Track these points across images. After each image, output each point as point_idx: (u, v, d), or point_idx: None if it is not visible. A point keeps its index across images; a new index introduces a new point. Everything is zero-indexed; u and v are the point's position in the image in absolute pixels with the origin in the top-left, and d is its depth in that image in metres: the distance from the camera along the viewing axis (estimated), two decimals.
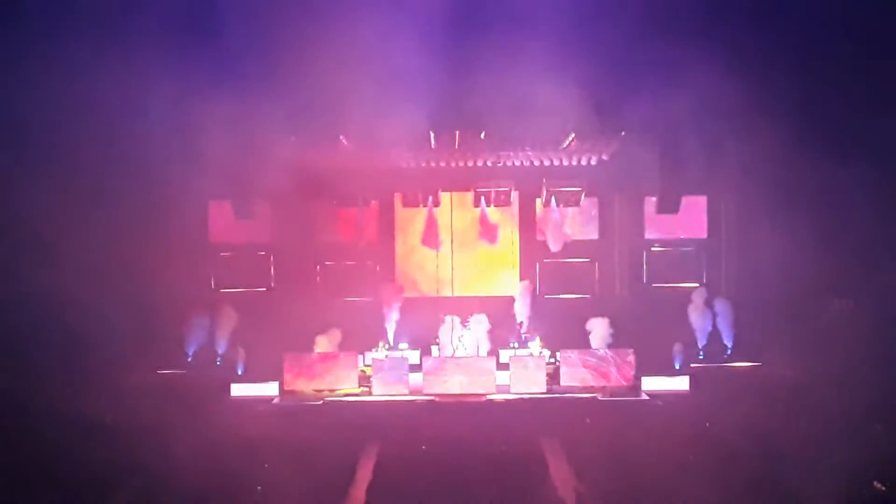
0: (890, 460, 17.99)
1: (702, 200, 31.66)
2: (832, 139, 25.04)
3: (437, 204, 31.22)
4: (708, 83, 24.23)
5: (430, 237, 31.31)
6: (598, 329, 29.02)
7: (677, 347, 28.53)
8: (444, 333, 29.34)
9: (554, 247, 31.34)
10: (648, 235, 32.02)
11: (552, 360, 28.04)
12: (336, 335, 28.93)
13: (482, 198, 31.12)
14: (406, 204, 31.52)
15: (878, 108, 24.43)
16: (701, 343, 29.02)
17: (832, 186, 25.27)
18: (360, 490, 18.94)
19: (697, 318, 29.17)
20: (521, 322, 30.42)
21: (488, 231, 31.56)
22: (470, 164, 30.79)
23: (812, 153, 24.71)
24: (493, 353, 28.44)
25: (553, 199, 30.84)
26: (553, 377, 27.30)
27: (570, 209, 31.50)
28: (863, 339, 24.31)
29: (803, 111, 25.07)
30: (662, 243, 31.94)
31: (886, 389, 21.67)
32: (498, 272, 32.22)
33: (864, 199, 24.82)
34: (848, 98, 24.98)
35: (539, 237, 32.04)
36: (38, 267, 23.67)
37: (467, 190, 31.25)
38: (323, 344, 28.46)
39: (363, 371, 27.40)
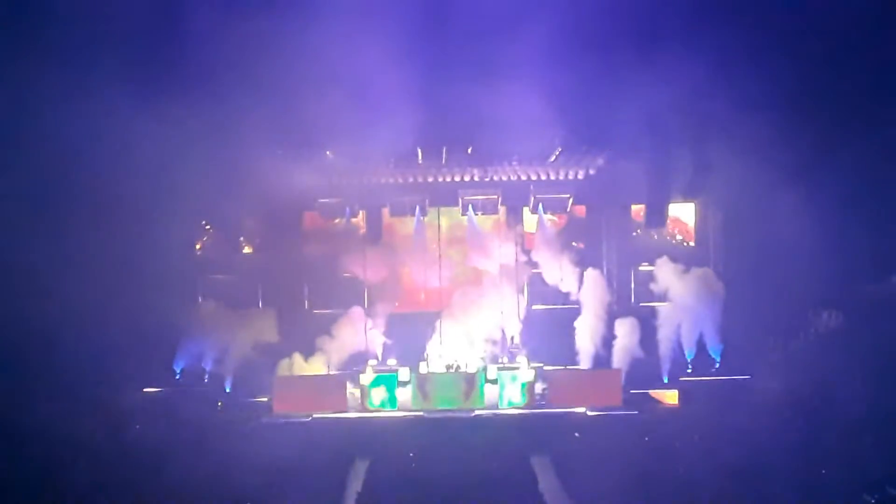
0: (879, 473, 18.04)
1: (689, 212, 31.68)
2: (823, 147, 24.82)
3: (424, 213, 31.14)
4: (694, 96, 24.29)
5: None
6: (587, 343, 29.14)
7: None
8: (432, 349, 29.26)
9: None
10: (636, 247, 31.99)
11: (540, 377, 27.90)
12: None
13: (469, 206, 31.07)
14: (394, 213, 31.43)
15: (869, 114, 24.37)
16: (689, 357, 28.94)
17: (823, 196, 25.11)
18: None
19: (685, 333, 29.09)
20: (511, 337, 30.37)
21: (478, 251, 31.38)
22: (457, 178, 30.78)
23: (802, 163, 24.63)
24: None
25: (540, 208, 30.78)
26: (541, 393, 27.25)
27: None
28: (852, 352, 24.33)
29: (792, 121, 24.81)
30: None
31: (875, 402, 21.72)
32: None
33: (855, 210, 24.78)
34: (840, 105, 24.86)
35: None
36: (27, 290, 23.54)
37: (455, 204, 31.14)
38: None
39: (352, 393, 27.28)
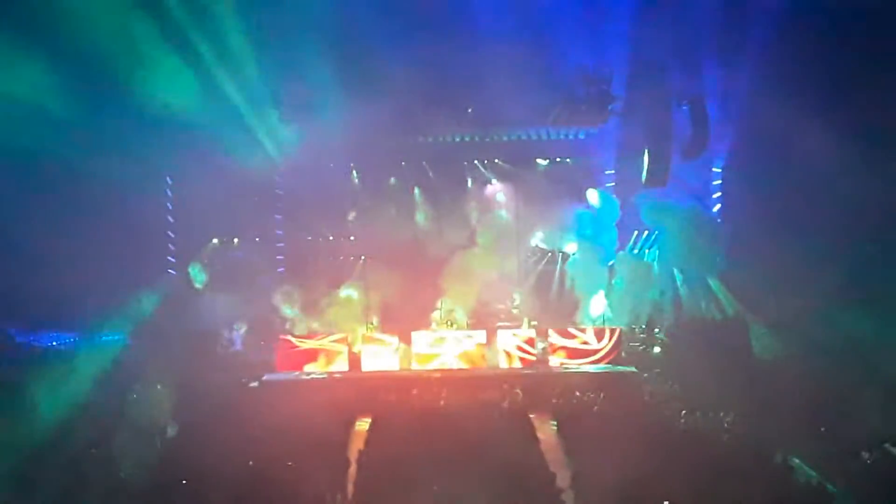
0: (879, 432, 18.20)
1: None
2: (836, 107, 23.50)
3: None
4: (698, 52, 24.01)
5: None
6: (590, 303, 29.37)
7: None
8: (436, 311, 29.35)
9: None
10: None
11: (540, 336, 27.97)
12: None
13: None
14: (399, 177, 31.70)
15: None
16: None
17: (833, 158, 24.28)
18: (354, 461, 19.11)
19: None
20: (514, 298, 30.51)
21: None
22: (458, 139, 30.60)
23: (812, 127, 23.69)
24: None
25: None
26: (542, 353, 27.35)
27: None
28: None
29: (804, 85, 23.83)
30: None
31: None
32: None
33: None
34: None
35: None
36: None
37: (455, 165, 31.32)
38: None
39: (355, 352, 27.42)
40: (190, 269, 30.26)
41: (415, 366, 26.90)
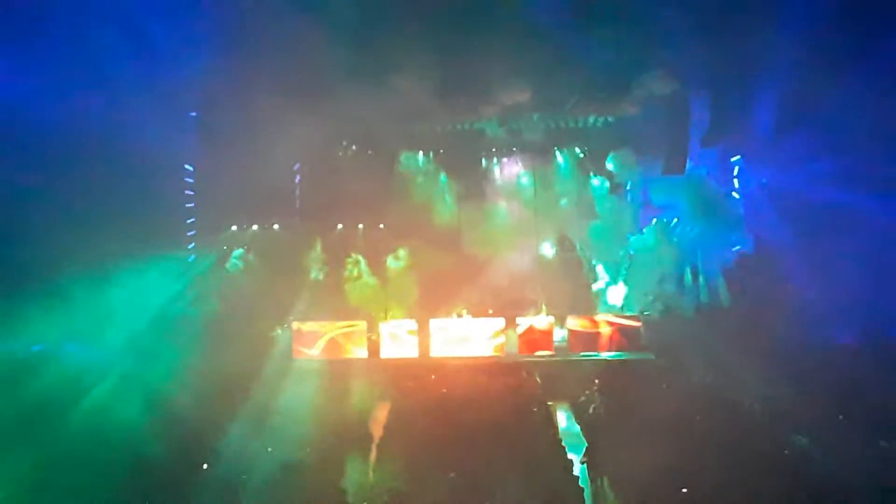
0: None
1: None
2: (860, 91, 22.93)
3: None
4: (717, 41, 23.90)
5: None
6: (608, 292, 29.32)
7: None
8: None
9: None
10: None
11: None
12: None
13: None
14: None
15: None
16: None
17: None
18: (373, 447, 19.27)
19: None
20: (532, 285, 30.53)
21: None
22: (476, 126, 30.60)
23: (835, 112, 23.72)
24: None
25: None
26: (561, 340, 27.37)
27: None
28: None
29: (826, 69, 23.53)
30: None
31: None
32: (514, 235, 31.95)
33: None
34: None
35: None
36: None
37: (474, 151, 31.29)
38: None
39: (372, 338, 27.52)
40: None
41: (433, 352, 26.95)
